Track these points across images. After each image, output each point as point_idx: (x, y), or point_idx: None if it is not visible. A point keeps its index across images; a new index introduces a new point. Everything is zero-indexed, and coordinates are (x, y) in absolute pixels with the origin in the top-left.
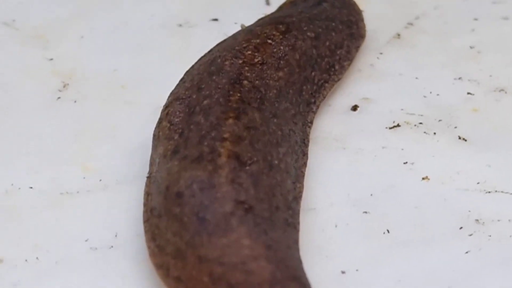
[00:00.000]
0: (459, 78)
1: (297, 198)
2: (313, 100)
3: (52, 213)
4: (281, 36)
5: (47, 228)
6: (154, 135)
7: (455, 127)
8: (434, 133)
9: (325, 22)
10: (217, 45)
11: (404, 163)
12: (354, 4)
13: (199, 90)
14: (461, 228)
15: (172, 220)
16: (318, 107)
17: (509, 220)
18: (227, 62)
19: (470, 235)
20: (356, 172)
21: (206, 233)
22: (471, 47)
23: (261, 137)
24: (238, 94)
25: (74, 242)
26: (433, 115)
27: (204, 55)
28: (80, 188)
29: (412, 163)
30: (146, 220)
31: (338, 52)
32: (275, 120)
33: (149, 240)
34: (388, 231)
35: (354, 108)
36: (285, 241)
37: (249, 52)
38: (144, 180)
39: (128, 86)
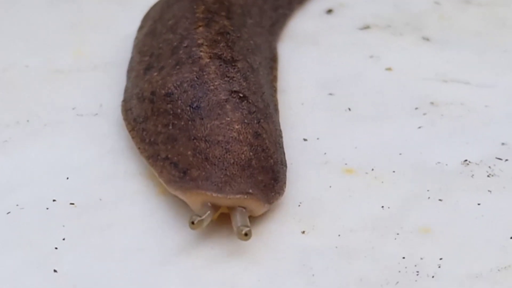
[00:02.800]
0: None
1: (276, 109)
2: (275, 25)
3: (44, 87)
4: None
5: (38, 98)
6: (127, 70)
7: (420, 30)
8: (401, 34)
9: None
10: None
11: (371, 56)
12: None
13: (161, 18)
14: (416, 108)
15: (163, 115)
16: (280, 32)
17: (461, 103)
18: None
19: (424, 114)
20: (325, 62)
21: (199, 118)
22: None
23: (236, 41)
24: (203, 6)
25: (62, 109)
26: (401, 20)
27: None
28: (71, 67)
29: (378, 57)
30: (131, 129)
31: None
32: (245, 29)
33: (138, 143)
34: (349, 109)
35: (329, 11)
36: (273, 136)
37: None
38: None
39: None
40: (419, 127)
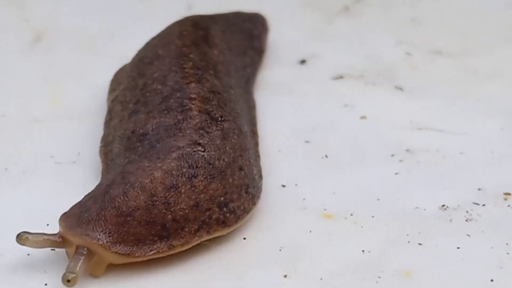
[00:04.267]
0: (400, 42)
1: (260, 176)
2: (248, 83)
3: (21, 136)
4: (191, 28)
5: (16, 146)
6: (105, 121)
7: (393, 80)
8: (374, 84)
9: (228, 25)
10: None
11: (345, 105)
12: (263, 19)
13: (142, 74)
14: (392, 155)
15: (130, 151)
16: (252, 90)
17: (436, 150)
18: (160, 51)
19: (401, 160)
20: (300, 110)
21: (145, 157)
22: (412, 19)
23: (227, 102)
24: (190, 62)
25: (40, 157)
26: (373, 70)
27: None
28: (47, 117)
29: (352, 106)
30: (105, 167)
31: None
32: (232, 91)
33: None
34: (326, 156)
35: (302, 61)
36: (209, 196)
37: (177, 41)
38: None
39: (96, 41)
40: (396, 173)
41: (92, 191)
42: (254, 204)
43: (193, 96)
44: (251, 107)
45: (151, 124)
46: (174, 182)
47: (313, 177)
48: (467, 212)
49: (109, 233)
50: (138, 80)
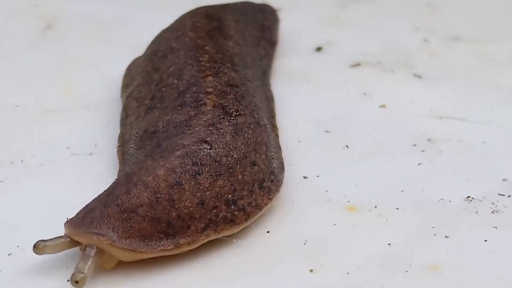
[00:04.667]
0: (416, 29)
1: (281, 168)
2: (265, 74)
3: (36, 126)
4: (204, 20)
5: (31, 138)
6: (121, 119)
7: (411, 67)
8: (392, 71)
9: (241, 15)
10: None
11: (364, 93)
12: (272, 10)
13: (157, 68)
14: (414, 145)
15: (141, 151)
16: (269, 81)
17: (458, 140)
18: (173, 44)
19: (423, 150)
20: (319, 100)
21: (150, 157)
22: (427, 3)
23: (245, 96)
24: (207, 55)
25: (56, 149)
26: (391, 57)
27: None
28: (62, 107)
29: (371, 94)
30: (121, 169)
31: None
32: (250, 84)
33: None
34: (347, 146)
35: (318, 49)
36: (214, 193)
37: (190, 33)
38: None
39: (107, 28)
40: (419, 164)
41: (98, 195)
42: (270, 199)
43: (209, 90)
44: (269, 99)
45: (162, 121)
46: (178, 179)
47: (334, 168)
48: (492, 203)
49: (114, 229)
50: (152, 74)
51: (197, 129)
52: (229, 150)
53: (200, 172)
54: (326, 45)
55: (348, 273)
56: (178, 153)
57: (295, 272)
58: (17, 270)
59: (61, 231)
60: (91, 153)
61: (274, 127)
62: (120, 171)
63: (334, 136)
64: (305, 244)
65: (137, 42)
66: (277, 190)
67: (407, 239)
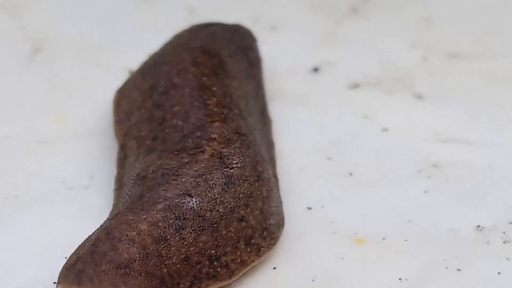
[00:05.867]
0: (414, 46)
1: (279, 224)
2: (264, 109)
3: (29, 158)
4: (204, 56)
5: (24, 171)
6: (118, 158)
7: (411, 87)
8: (392, 92)
9: (229, 45)
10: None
11: (364, 117)
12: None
13: (159, 105)
14: (419, 171)
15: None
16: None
17: (465, 164)
18: (175, 80)
19: (429, 177)
20: (318, 124)
21: (131, 210)
22: (423, 19)
23: (252, 146)
24: (215, 99)
25: (51, 182)
26: (390, 77)
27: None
28: (55, 136)
29: (372, 117)
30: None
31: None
32: (255, 133)
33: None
34: (350, 174)
35: (315, 69)
36: (199, 248)
37: (193, 68)
38: None
39: (98, 50)
40: (425, 191)
41: (73, 254)
42: (259, 256)
43: (214, 136)
44: (270, 144)
45: (153, 166)
46: (162, 234)
47: (339, 197)
48: (503, 233)
49: (114, 285)
50: (153, 111)
51: (183, 179)
52: (215, 204)
53: (184, 226)
54: (323, 65)
55: None
56: (159, 206)
57: None
58: None
59: (59, 271)
60: (87, 186)
61: (275, 178)
62: (111, 212)
63: (337, 163)
64: (313, 280)
65: (128, 64)
66: (269, 247)
67: (419, 273)
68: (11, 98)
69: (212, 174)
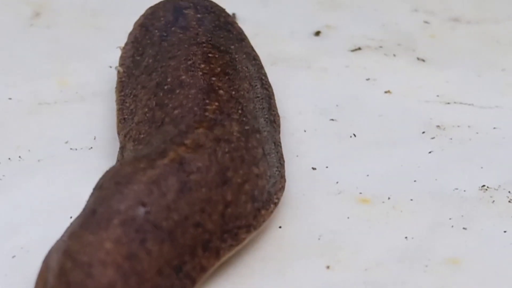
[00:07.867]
0: (416, 10)
1: (246, 227)
2: (270, 106)
3: (32, 120)
4: (215, 51)
5: (28, 132)
6: (116, 161)
7: (414, 50)
8: (394, 55)
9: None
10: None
11: (367, 79)
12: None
13: (161, 106)
14: (423, 132)
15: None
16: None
17: (468, 126)
18: (183, 77)
19: (433, 138)
20: (321, 86)
21: (85, 228)
22: None
23: (233, 152)
24: (216, 103)
25: (54, 144)
26: (392, 40)
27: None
28: (57, 99)
29: (375, 79)
30: None
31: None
32: (257, 136)
33: None
34: (354, 135)
35: (317, 33)
36: (164, 260)
37: (203, 65)
38: None
39: (97, 15)
40: (430, 152)
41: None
42: (218, 258)
43: (186, 142)
44: (277, 144)
45: (116, 172)
46: (130, 250)
47: (343, 158)
48: (509, 192)
49: None
50: (156, 112)
51: (135, 187)
52: (169, 212)
53: (146, 239)
54: (325, 29)
55: (366, 270)
56: (115, 221)
57: (312, 270)
58: (21, 274)
59: (63, 230)
60: (91, 147)
61: (282, 178)
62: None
63: (341, 124)
64: (319, 239)
65: (129, 29)
66: (229, 250)
67: (425, 232)
68: (13, 61)
69: (167, 180)
